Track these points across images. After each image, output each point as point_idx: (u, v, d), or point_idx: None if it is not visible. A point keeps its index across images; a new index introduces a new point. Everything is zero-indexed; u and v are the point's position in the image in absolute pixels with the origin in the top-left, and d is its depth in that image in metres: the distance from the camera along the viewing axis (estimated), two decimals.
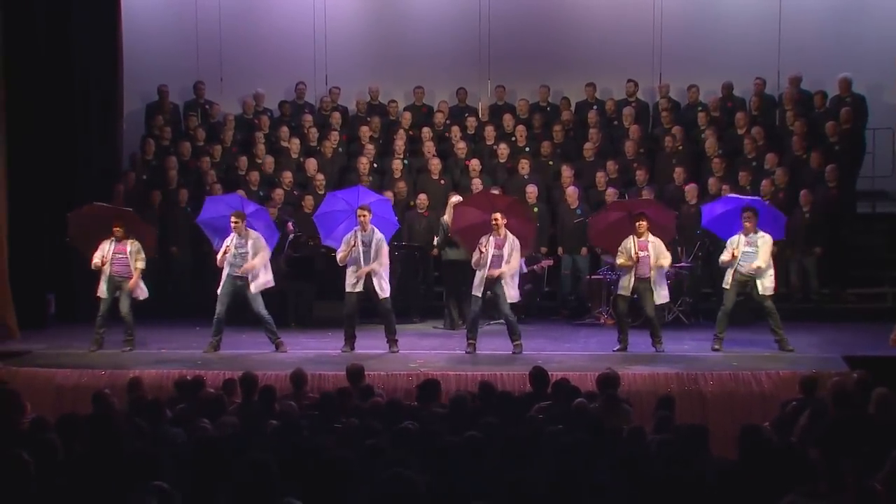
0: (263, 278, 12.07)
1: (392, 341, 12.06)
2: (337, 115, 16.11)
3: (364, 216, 11.92)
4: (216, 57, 16.65)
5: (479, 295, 11.80)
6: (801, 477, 5.73)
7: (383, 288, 11.97)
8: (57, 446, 6.38)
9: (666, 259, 11.76)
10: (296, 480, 5.52)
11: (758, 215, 11.60)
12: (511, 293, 11.82)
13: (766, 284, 11.66)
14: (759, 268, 11.55)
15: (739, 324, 12.31)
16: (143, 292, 12.22)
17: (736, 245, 11.65)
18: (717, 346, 11.74)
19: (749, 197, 12.55)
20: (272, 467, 5.22)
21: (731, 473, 5.83)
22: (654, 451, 6.50)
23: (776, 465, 5.88)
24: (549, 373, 9.30)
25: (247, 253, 11.93)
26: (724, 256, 11.76)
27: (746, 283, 11.70)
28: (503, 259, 11.65)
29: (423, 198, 14.67)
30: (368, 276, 11.89)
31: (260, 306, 12.02)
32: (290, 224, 14.15)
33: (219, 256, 12.02)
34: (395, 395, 9.27)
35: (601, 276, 13.96)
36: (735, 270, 11.64)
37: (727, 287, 11.75)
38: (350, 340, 12.07)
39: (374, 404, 8.22)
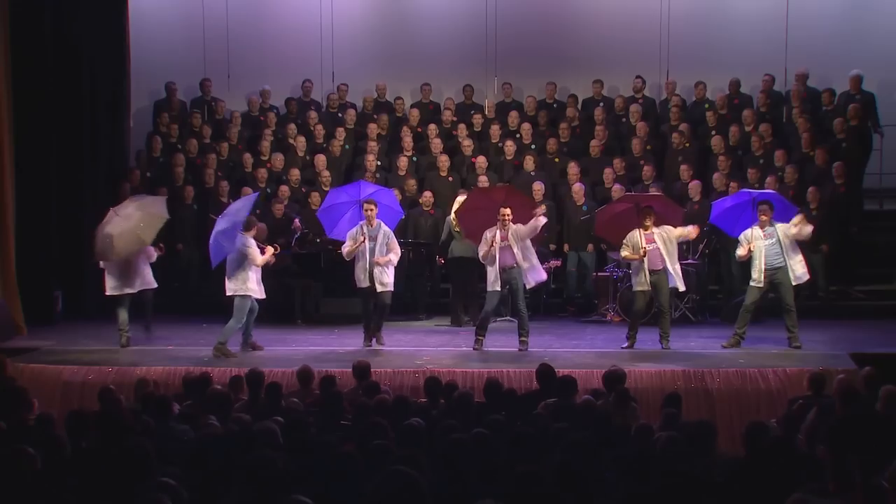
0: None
1: (367, 337, 12.01)
2: (352, 111, 16.11)
3: (371, 210, 11.94)
4: (223, 54, 16.66)
5: (496, 290, 11.70)
6: (806, 474, 5.72)
7: (384, 282, 11.95)
8: (64, 443, 6.40)
9: (681, 230, 11.63)
10: (303, 477, 5.52)
11: (773, 208, 11.56)
12: (537, 277, 11.77)
13: (797, 273, 11.55)
14: (810, 232, 11.52)
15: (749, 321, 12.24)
16: None
17: (751, 239, 11.58)
18: (726, 344, 11.70)
19: (759, 191, 12.52)
20: (280, 464, 5.22)
21: (737, 470, 5.82)
22: (661, 448, 6.49)
23: (781, 462, 5.87)
24: (556, 370, 9.29)
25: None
26: (741, 251, 11.69)
27: (773, 279, 11.59)
28: (512, 249, 11.59)
29: (427, 195, 14.67)
30: (373, 270, 11.89)
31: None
32: (296, 220, 14.17)
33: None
34: (402, 392, 9.26)
35: (608, 273, 13.96)
36: (764, 268, 11.51)
37: (759, 285, 11.58)
38: (369, 335, 12.09)
39: (381, 401, 8.21)
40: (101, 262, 12.15)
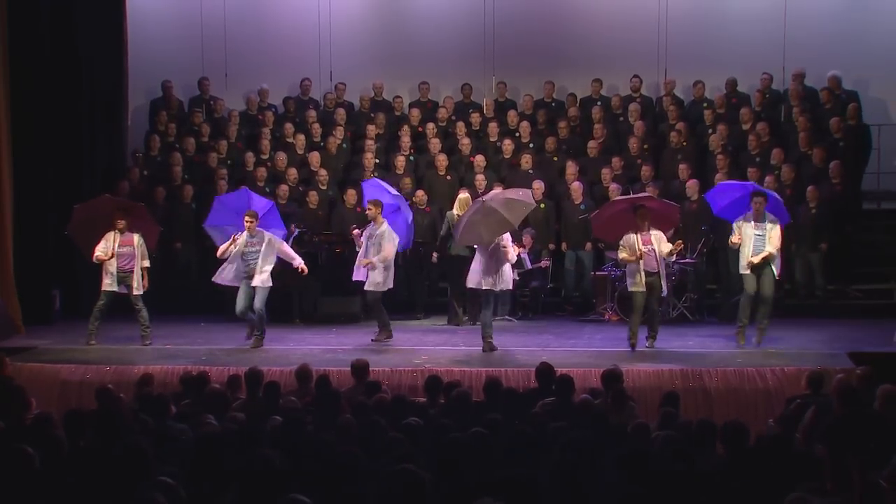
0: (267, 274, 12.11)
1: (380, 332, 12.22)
2: (341, 111, 16.10)
3: (370, 210, 12.19)
4: (221, 53, 16.65)
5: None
6: (804, 473, 5.73)
7: (375, 281, 12.11)
8: (61, 442, 6.40)
9: (666, 247, 11.71)
10: (301, 476, 5.52)
11: (767, 200, 11.57)
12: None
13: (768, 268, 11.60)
14: (770, 254, 11.50)
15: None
16: (143, 286, 12.27)
17: (743, 228, 11.58)
18: (741, 341, 11.66)
19: (750, 182, 12.54)
20: (277, 463, 5.22)
21: (723, 470, 5.84)
22: (658, 447, 6.50)
23: (765, 461, 5.89)
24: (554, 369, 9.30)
25: (258, 252, 11.96)
26: (734, 238, 11.71)
27: (757, 271, 11.58)
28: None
29: (420, 193, 14.65)
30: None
31: (262, 301, 12.05)
32: (293, 226, 14.10)
33: (221, 247, 12.08)
34: (400, 391, 9.27)
35: (606, 272, 13.95)
36: (751, 255, 11.55)
37: (746, 272, 11.64)
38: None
39: (379, 400, 8.21)
40: None
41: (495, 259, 11.58)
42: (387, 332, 12.20)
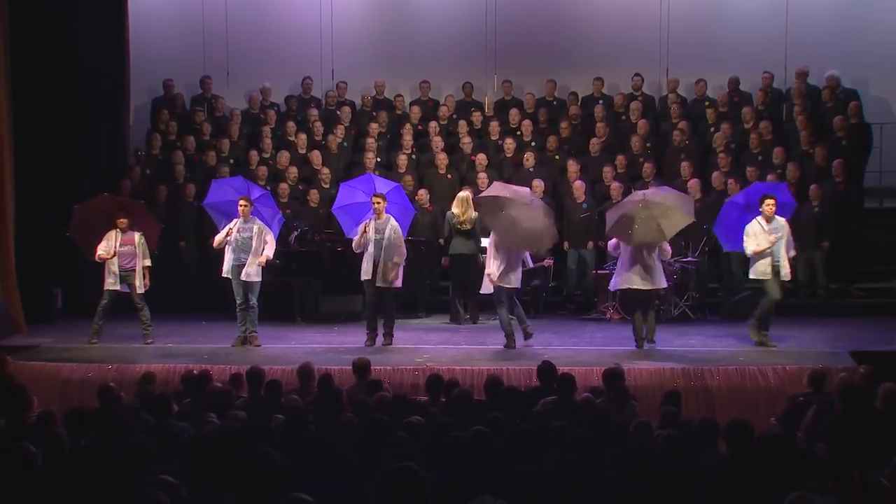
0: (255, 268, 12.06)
1: (386, 333, 12.05)
2: (347, 109, 16.11)
3: (378, 203, 11.97)
4: (223, 51, 16.65)
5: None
6: (805, 471, 5.73)
7: (388, 279, 11.96)
8: (63, 440, 6.41)
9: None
10: (301, 476, 5.53)
11: (776, 201, 11.54)
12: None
13: (783, 271, 11.58)
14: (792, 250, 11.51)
15: (746, 318, 12.24)
16: (145, 285, 12.27)
17: (758, 235, 11.47)
18: (772, 343, 11.61)
19: (740, 194, 12.47)
20: (279, 462, 5.22)
21: (730, 469, 5.84)
22: (660, 445, 6.50)
23: (770, 459, 5.89)
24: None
25: (251, 238, 11.94)
26: (755, 248, 11.48)
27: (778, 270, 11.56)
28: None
29: (422, 192, 14.64)
30: (378, 265, 11.89)
31: (255, 295, 12.02)
32: (294, 225, 14.10)
33: (217, 238, 12.07)
34: (402, 390, 9.27)
35: (607, 271, 13.93)
36: (772, 258, 11.44)
37: (767, 277, 11.52)
38: (371, 334, 12.01)
39: (380, 399, 8.21)
40: None
41: (515, 257, 11.64)
42: (390, 337, 12.13)
